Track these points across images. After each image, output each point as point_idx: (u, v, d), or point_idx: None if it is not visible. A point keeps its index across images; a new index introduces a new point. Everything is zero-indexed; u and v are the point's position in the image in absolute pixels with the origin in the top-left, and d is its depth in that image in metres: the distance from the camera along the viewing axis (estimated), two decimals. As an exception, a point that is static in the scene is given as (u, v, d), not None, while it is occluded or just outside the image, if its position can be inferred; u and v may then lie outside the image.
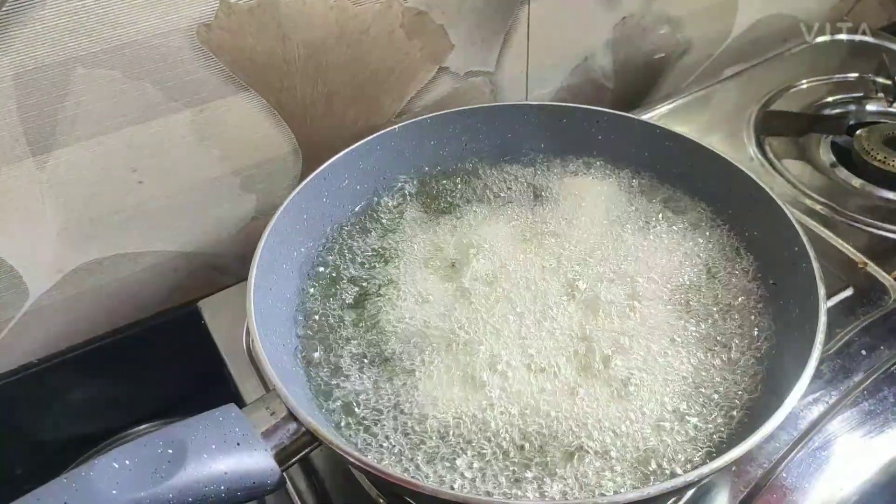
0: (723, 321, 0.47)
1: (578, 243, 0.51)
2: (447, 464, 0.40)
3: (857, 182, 0.67)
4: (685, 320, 0.46)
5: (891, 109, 0.75)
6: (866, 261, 0.57)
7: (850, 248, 0.58)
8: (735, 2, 0.79)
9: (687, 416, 0.42)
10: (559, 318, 0.46)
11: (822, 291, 0.42)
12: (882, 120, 0.74)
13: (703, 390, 0.43)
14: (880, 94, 0.75)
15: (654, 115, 0.74)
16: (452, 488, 0.38)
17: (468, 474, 0.39)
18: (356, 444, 0.41)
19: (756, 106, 0.74)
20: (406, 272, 0.50)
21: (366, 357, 0.45)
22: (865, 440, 0.47)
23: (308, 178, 0.51)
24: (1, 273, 0.52)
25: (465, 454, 0.40)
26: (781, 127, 0.72)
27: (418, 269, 0.50)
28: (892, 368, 0.50)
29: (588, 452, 0.40)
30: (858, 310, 0.54)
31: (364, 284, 0.50)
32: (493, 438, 0.40)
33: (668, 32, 0.76)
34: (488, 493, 0.38)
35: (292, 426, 0.37)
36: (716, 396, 0.42)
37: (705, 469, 0.35)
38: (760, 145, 0.69)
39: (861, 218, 0.61)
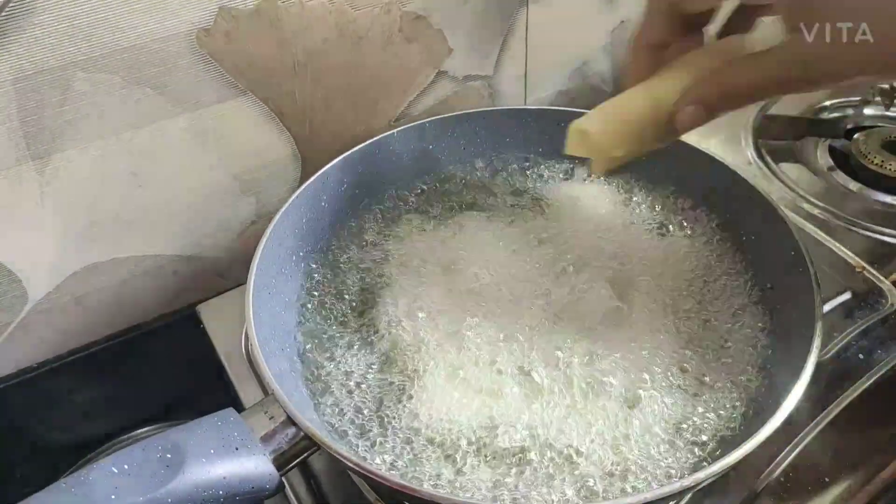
0: (720, 325, 0.47)
1: (575, 247, 0.51)
2: (447, 468, 0.40)
3: (854, 186, 0.67)
4: (682, 324, 0.46)
5: (888, 113, 0.75)
6: (864, 265, 0.57)
7: (847, 251, 0.58)
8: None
9: (683, 420, 0.42)
10: (558, 321, 0.46)
11: (819, 296, 0.42)
12: (880, 124, 0.74)
13: (700, 394, 0.43)
14: (878, 98, 0.75)
15: (653, 118, 0.74)
16: (451, 492, 0.39)
17: (469, 478, 0.39)
18: (355, 448, 0.41)
19: (754, 110, 0.74)
20: (405, 276, 0.50)
21: (365, 361, 0.45)
22: (863, 445, 0.47)
23: (307, 183, 0.51)
24: (0, 276, 0.52)
25: (466, 457, 0.40)
26: (779, 131, 0.72)
27: (417, 273, 0.50)
28: (890, 372, 0.50)
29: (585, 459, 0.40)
30: (856, 314, 0.54)
31: (363, 288, 0.50)
32: (493, 443, 0.40)
33: (666, 36, 0.77)
34: (494, 498, 0.38)
35: (291, 431, 0.37)
36: (712, 400, 0.43)
37: (702, 474, 0.35)
38: (758, 149, 0.70)
39: (859, 222, 0.61)
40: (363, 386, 0.44)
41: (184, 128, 0.53)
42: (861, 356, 0.51)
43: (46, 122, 0.48)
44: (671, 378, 0.43)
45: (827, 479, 0.45)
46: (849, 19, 0.31)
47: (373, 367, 0.45)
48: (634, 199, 0.56)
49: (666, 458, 0.40)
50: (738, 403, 0.42)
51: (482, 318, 0.46)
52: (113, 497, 0.33)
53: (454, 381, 0.43)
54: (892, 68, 0.34)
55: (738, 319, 0.47)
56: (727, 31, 0.41)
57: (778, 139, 0.71)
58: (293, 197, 0.50)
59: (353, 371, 0.45)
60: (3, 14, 0.43)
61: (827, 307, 0.53)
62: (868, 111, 0.76)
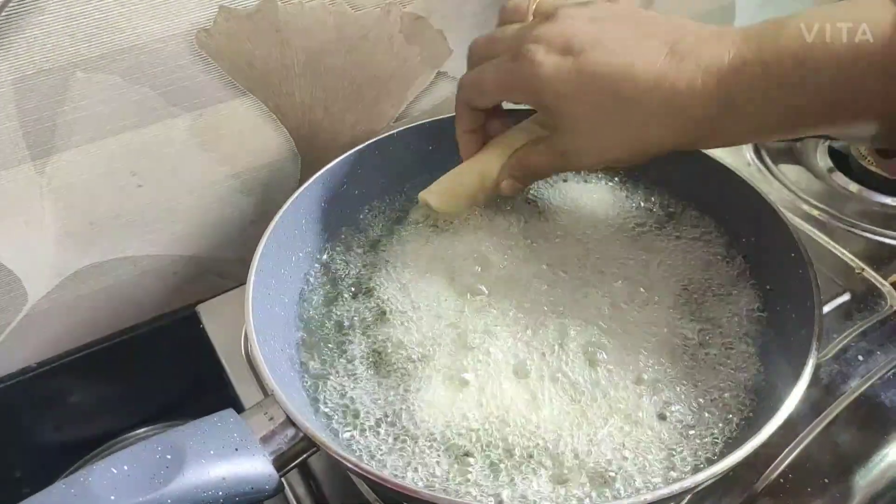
0: (719, 325, 0.47)
1: (574, 247, 0.51)
2: (447, 469, 0.40)
3: (854, 187, 0.67)
4: (680, 325, 0.46)
5: (888, 114, 0.75)
6: (863, 266, 0.57)
7: (847, 253, 0.58)
8: (733, 8, 0.79)
9: (683, 422, 0.42)
10: (559, 322, 0.46)
11: (818, 297, 0.42)
12: (879, 125, 0.74)
13: (699, 395, 0.43)
14: (877, 99, 0.75)
15: (652, 119, 0.74)
16: (451, 494, 0.39)
17: (470, 479, 0.39)
18: (354, 449, 0.41)
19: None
20: (405, 278, 0.50)
21: (364, 362, 0.45)
22: (862, 446, 0.47)
23: (306, 183, 0.51)
24: (0, 277, 0.52)
25: (466, 459, 0.40)
26: (779, 132, 0.72)
27: (417, 274, 0.50)
28: (889, 374, 0.51)
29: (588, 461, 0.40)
30: (855, 315, 0.54)
31: (363, 289, 0.50)
32: (494, 444, 0.40)
33: (666, 37, 0.77)
34: (495, 500, 0.38)
35: (290, 432, 0.37)
36: (711, 401, 0.43)
37: (701, 476, 0.35)
38: (757, 150, 0.70)
39: (858, 223, 0.61)
40: (363, 387, 0.44)
41: (184, 128, 0.53)
42: (860, 357, 0.51)
43: (46, 123, 0.48)
44: (670, 378, 0.43)
45: (826, 481, 0.45)
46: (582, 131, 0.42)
47: (373, 367, 0.45)
48: (633, 199, 0.56)
49: (665, 460, 0.40)
50: (736, 404, 0.42)
51: (484, 319, 0.46)
52: (112, 498, 0.33)
53: (455, 383, 0.43)
54: (622, 163, 0.45)
55: (737, 320, 0.47)
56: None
57: (777, 140, 0.72)
58: (293, 197, 0.50)
59: (353, 372, 0.45)
60: (3, 14, 0.43)
61: (826, 308, 0.53)
62: (868, 112, 0.76)
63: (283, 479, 0.37)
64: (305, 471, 0.48)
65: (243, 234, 0.62)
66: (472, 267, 0.50)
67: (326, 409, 0.43)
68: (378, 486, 0.44)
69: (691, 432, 0.41)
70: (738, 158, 0.68)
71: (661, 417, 0.42)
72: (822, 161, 0.70)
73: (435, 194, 0.50)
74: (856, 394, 0.49)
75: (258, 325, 0.42)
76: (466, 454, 0.40)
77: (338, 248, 0.53)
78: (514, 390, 0.43)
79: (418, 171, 0.57)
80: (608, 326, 0.46)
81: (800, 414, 0.48)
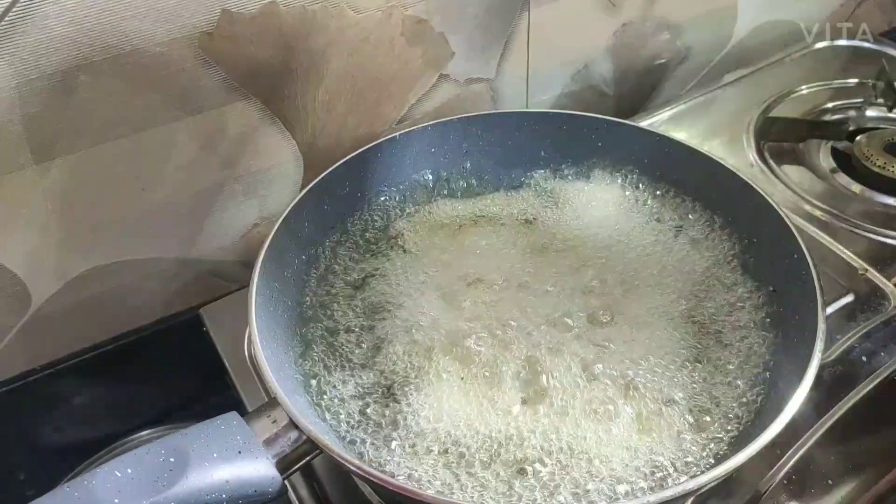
0: (721, 327, 0.47)
1: (579, 250, 0.51)
2: (450, 472, 0.40)
3: (857, 188, 0.67)
4: (683, 326, 0.46)
5: (891, 115, 0.75)
6: (867, 267, 0.57)
7: (850, 254, 0.58)
8: (735, 8, 0.79)
9: (686, 423, 0.42)
10: (561, 323, 0.46)
11: (821, 298, 0.42)
12: (882, 126, 0.74)
13: (702, 397, 0.43)
14: (880, 100, 0.75)
15: (655, 121, 0.74)
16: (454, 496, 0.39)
17: (472, 482, 0.39)
18: (357, 452, 0.41)
19: (756, 112, 0.74)
20: (408, 281, 0.50)
21: (369, 364, 0.45)
22: (866, 447, 0.47)
23: (309, 186, 0.51)
24: (3, 280, 0.52)
25: (469, 462, 0.40)
26: (781, 132, 0.72)
27: (420, 277, 0.50)
28: (893, 374, 0.50)
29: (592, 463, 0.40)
30: (859, 316, 0.54)
31: (366, 291, 0.50)
32: (497, 447, 0.40)
33: (668, 39, 0.77)
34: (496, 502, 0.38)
35: (293, 434, 0.37)
36: (715, 403, 0.43)
37: (704, 478, 0.35)
38: (760, 151, 0.70)
39: (861, 224, 0.61)
40: (367, 389, 0.44)
41: (186, 131, 0.53)
42: (864, 358, 0.51)
43: (50, 126, 0.48)
44: (674, 380, 0.43)
45: (830, 482, 0.45)
46: None
47: (376, 370, 0.45)
48: (636, 201, 0.56)
49: (667, 462, 0.40)
50: (740, 406, 0.42)
51: (487, 321, 0.46)
52: (116, 501, 0.33)
53: (458, 385, 0.43)
54: None
55: (740, 322, 0.47)
56: None
57: (780, 141, 0.71)
58: (295, 200, 0.50)
59: (356, 374, 0.45)
60: (7, 19, 0.43)
61: (829, 309, 0.53)
62: (870, 113, 0.76)
63: (286, 482, 0.38)
64: (309, 473, 0.48)
65: (246, 237, 0.62)
66: (477, 268, 0.50)
67: (329, 412, 0.43)
68: (381, 489, 0.44)
69: (695, 434, 0.41)
70: (741, 159, 0.68)
71: (663, 417, 0.42)
72: (825, 162, 0.70)
73: None
74: (860, 395, 0.49)
75: (261, 328, 0.42)
76: (470, 458, 0.40)
77: (340, 251, 0.53)
78: (519, 393, 0.43)
79: (420, 174, 0.57)
80: (611, 330, 0.46)
81: (803, 415, 0.48)
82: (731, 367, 0.44)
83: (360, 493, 0.47)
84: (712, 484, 0.36)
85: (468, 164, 0.59)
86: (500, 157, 0.59)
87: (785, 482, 0.45)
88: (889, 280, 0.56)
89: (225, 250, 0.62)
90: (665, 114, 0.75)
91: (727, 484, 0.45)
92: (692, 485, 0.35)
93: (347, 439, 0.42)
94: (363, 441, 0.41)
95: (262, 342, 0.41)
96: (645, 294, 0.48)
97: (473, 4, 0.60)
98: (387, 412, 0.42)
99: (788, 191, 0.65)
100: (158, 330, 0.62)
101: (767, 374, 0.44)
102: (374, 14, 0.55)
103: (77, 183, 0.51)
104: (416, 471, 0.40)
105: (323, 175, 0.52)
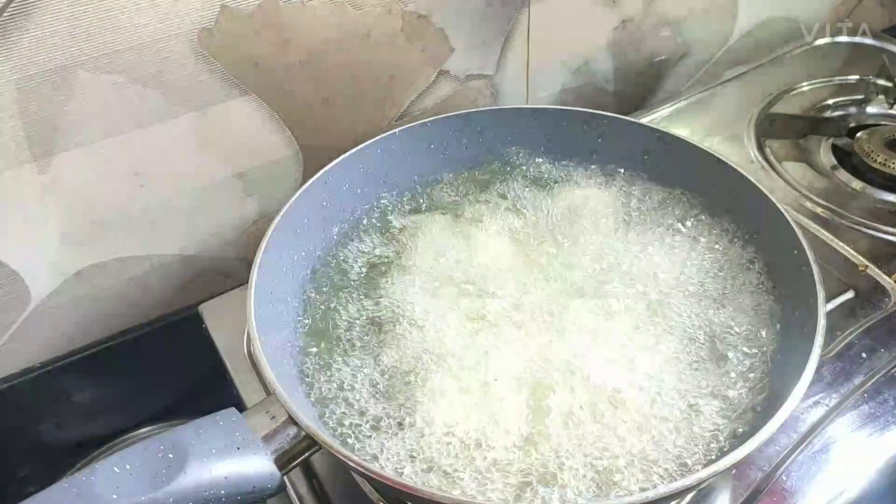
0: (723, 324, 0.47)
1: (579, 248, 0.51)
2: (449, 469, 0.40)
3: (857, 184, 0.67)
4: (684, 323, 0.46)
5: (891, 111, 0.75)
6: (867, 263, 0.57)
7: (850, 250, 0.58)
8: (735, 4, 0.79)
9: (686, 419, 0.42)
10: (561, 324, 0.46)
11: (821, 294, 0.42)
12: (883, 122, 0.74)
13: (703, 393, 0.43)
14: (881, 97, 0.75)
15: (655, 117, 0.74)
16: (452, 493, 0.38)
17: (471, 479, 0.39)
18: (356, 448, 0.41)
19: (757, 108, 0.74)
20: (407, 276, 0.50)
21: (367, 361, 0.45)
22: (866, 443, 0.47)
23: (308, 182, 0.51)
24: (3, 276, 0.52)
25: (468, 459, 0.40)
26: (782, 129, 0.72)
27: (419, 275, 0.50)
28: (893, 371, 0.50)
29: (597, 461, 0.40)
30: (859, 312, 0.54)
31: (365, 289, 0.50)
32: (496, 446, 0.40)
33: (668, 35, 0.77)
34: (494, 499, 0.38)
35: (292, 430, 0.37)
36: (715, 399, 0.42)
37: (704, 472, 0.35)
38: (761, 147, 0.69)
39: (862, 220, 0.61)
40: (366, 385, 0.44)
41: (186, 127, 0.53)
42: (864, 355, 0.51)
43: (48, 123, 0.48)
44: (674, 376, 0.43)
45: (830, 479, 0.45)
46: None
47: (376, 367, 0.45)
48: (636, 198, 0.56)
49: (666, 458, 0.40)
50: (740, 401, 0.42)
51: (487, 321, 0.46)
52: (115, 496, 0.33)
53: (458, 383, 0.43)
54: None
55: (741, 318, 0.47)
56: None
57: (781, 138, 0.71)
58: (294, 197, 0.49)
59: (355, 371, 0.45)
60: (6, 15, 0.43)
61: (830, 306, 0.53)
62: (871, 110, 0.76)
63: (285, 478, 0.38)
64: (308, 469, 0.48)
65: (245, 234, 0.62)
66: (476, 266, 0.50)
67: (328, 408, 0.43)
68: (380, 485, 0.44)
69: (694, 429, 0.41)
70: (742, 156, 0.68)
71: (663, 416, 0.42)
72: (826, 158, 0.70)
73: None
74: (859, 391, 0.49)
75: (260, 325, 0.42)
76: (470, 455, 0.40)
77: (340, 248, 0.53)
78: (520, 393, 0.43)
79: (420, 170, 0.57)
80: (612, 329, 0.46)
81: (803, 411, 0.48)
82: (730, 361, 0.44)
83: (359, 490, 0.47)
84: (711, 479, 0.36)
85: (468, 160, 0.59)
86: (499, 152, 0.59)
87: (784, 478, 0.45)
88: (889, 276, 0.56)
89: (224, 247, 0.62)
90: (665, 110, 0.75)
91: (726, 479, 0.45)
92: (690, 480, 0.35)
93: (346, 435, 0.42)
94: (363, 436, 0.41)
95: (261, 338, 0.41)
96: (644, 291, 0.48)
97: (473, 0, 0.60)
98: (388, 408, 0.42)
99: (789, 187, 0.65)
100: (157, 327, 0.62)
101: (767, 369, 0.44)
102: (373, 10, 0.55)
103: (77, 179, 0.51)
104: (416, 467, 0.40)
105: (322, 172, 0.52)
